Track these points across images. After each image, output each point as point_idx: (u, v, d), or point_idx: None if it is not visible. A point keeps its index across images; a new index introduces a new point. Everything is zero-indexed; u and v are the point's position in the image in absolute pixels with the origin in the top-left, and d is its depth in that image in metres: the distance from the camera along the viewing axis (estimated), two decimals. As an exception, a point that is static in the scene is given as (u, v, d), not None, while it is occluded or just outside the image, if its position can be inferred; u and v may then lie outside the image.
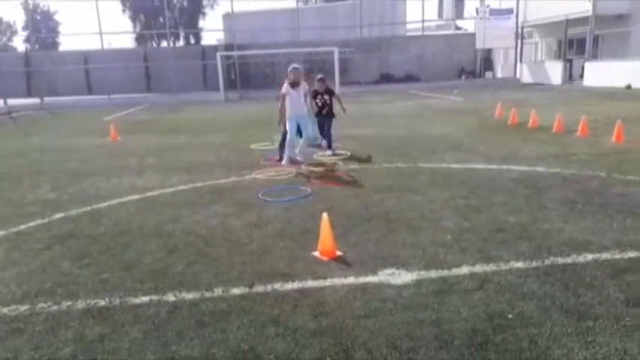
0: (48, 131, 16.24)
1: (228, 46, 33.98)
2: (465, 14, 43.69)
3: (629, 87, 21.72)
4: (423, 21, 33.51)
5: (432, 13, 39.02)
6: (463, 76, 33.36)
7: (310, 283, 3.87)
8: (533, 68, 31.32)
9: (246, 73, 34.36)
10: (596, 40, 26.42)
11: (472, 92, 25.13)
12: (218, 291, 3.82)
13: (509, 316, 3.22)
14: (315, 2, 55.41)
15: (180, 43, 41.35)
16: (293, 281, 3.92)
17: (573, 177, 6.78)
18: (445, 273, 3.94)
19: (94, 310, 3.61)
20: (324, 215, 4.45)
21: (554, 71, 28.58)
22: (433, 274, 3.93)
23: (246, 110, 21.25)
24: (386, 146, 10.02)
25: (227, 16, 38.48)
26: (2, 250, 4.93)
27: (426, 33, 36.45)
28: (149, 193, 7.00)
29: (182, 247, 4.80)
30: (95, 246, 4.95)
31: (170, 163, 9.27)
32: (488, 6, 34.43)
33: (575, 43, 29.05)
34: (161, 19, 41.53)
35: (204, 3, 43.32)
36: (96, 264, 4.47)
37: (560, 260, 4.04)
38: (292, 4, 48.81)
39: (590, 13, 25.04)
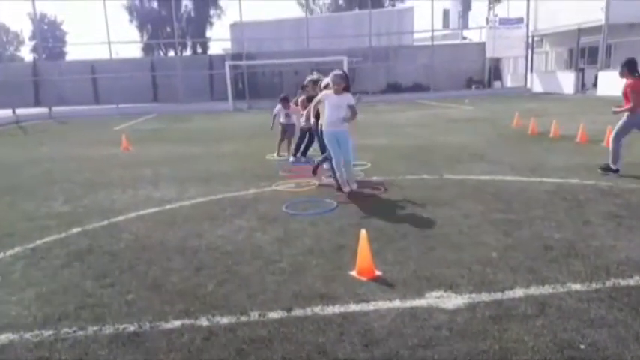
0: (58, 141, 16.06)
1: (236, 56, 33.90)
2: (471, 24, 43.71)
3: (643, 96, 21.38)
4: (432, 30, 33.30)
5: (437, 23, 38.88)
6: (473, 86, 33.12)
7: (353, 307, 3.59)
8: (543, 77, 31.07)
9: (254, 82, 34.25)
10: (608, 50, 26.15)
11: (483, 102, 24.91)
12: (254, 315, 3.53)
13: (582, 346, 2.92)
14: (321, 12, 55.53)
15: (188, 52, 41.36)
16: (334, 304, 3.64)
17: (611, 190, 6.48)
18: (498, 295, 3.64)
19: (123, 336, 3.33)
20: (363, 232, 4.17)
21: (566, 80, 28.31)
22: (485, 296, 3.64)
23: (255, 120, 21.01)
24: (405, 156, 9.75)
25: (234, 26, 38.48)
26: (20, 267, 4.66)
27: (434, 43, 36.35)
28: (167, 206, 6.74)
29: (209, 265, 4.52)
30: (117, 263, 4.68)
31: (185, 173, 9.03)
32: (496, 15, 34.33)
33: (586, 52, 28.81)
34: (168, 29, 41.63)
35: (212, 13, 43.47)
36: (119, 283, 4.20)
37: (622, 282, 3.74)
38: (299, 14, 49.04)
39: (602, 22, 24.80)
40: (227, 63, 28.26)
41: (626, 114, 7.37)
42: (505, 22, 31.27)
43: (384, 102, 28.02)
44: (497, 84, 34.93)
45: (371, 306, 3.58)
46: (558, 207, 5.81)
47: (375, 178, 7.84)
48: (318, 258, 4.56)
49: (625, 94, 7.16)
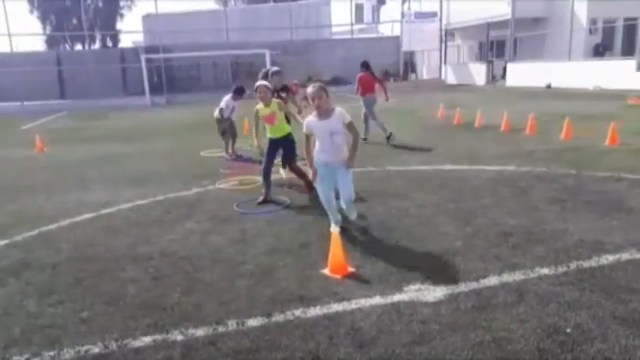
0: (-44, 143, 14.47)
1: (150, 49, 32.32)
2: (383, 18, 44.67)
3: (549, 86, 23.02)
4: (352, 24, 33.78)
5: (347, 18, 39.32)
6: (391, 79, 33.94)
7: (335, 307, 3.46)
8: (457, 70, 32.52)
9: (171, 76, 32.90)
10: (514, 43, 27.81)
11: (402, 94, 25.50)
12: (232, 324, 3.30)
13: (568, 330, 3.00)
14: (235, 4, 54.42)
15: (97, 45, 38.93)
16: (314, 306, 3.49)
17: (547, 175, 6.82)
18: (474, 285, 3.67)
19: (87, 359, 2.98)
20: (335, 230, 4.05)
21: (478, 72, 29.81)
22: (463, 287, 3.66)
23: (177, 115, 20.23)
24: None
25: (147, 18, 36.70)
26: (-57, 289, 4.08)
27: (347, 37, 36.88)
28: (104, 211, 6.23)
29: (168, 273, 4.20)
30: (61, 277, 4.23)
31: (115, 174, 8.42)
32: (409, 9, 35.36)
33: (495, 45, 30.48)
34: (74, 21, 38.92)
35: (122, 4, 41.12)
36: (69, 300, 3.79)
37: (585, 264, 3.91)
38: (213, 6, 47.75)
39: (509, 16, 26.32)
40: (142, 56, 26.93)
41: (361, 99, 10.97)
42: (420, 16, 32.29)
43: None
44: (412, 77, 36.02)
45: (353, 305, 3.48)
46: (504, 194, 6.02)
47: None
48: (285, 258, 4.38)
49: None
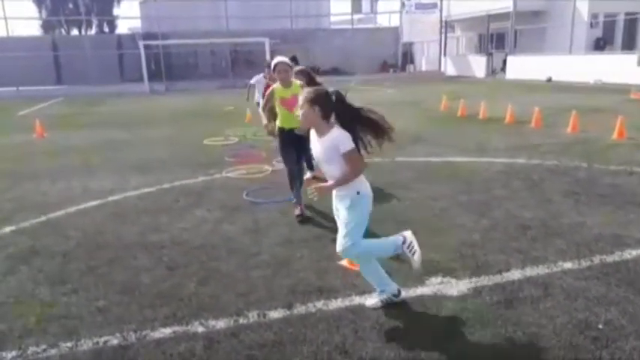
0: (-48, 127, 14.25)
1: (147, 35, 31.98)
2: (381, 9, 44.36)
3: (549, 80, 22.95)
4: (352, 14, 33.52)
5: (347, 8, 38.93)
6: (391, 70, 33.79)
7: (357, 299, 3.39)
8: (456, 62, 32.38)
9: (168, 63, 32.57)
10: (514, 35, 27.69)
11: (402, 85, 25.44)
12: (252, 315, 3.23)
13: (600, 326, 2.94)
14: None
15: (93, 31, 38.43)
16: (336, 298, 3.42)
17: (558, 168, 6.76)
18: (498, 279, 3.61)
19: (107, 350, 2.90)
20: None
21: (478, 65, 29.70)
22: (485, 280, 3.59)
23: (176, 102, 20.03)
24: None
25: (145, 4, 36.30)
26: (-49, 277, 3.98)
27: (349, 26, 36.65)
28: (110, 198, 6.12)
29: (182, 262, 4.11)
30: (73, 265, 4.13)
31: (119, 161, 8.30)
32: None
33: (495, 37, 30.34)
34: (70, 5, 38.41)
35: (119, -12, 40.59)
36: (83, 288, 3.69)
37: (608, 258, 3.85)
38: (212, -7, 47.15)
39: (510, 9, 26.17)
40: (141, 43, 26.61)
41: None
42: (420, 6, 32.07)
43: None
44: (410, 68, 35.84)
45: (375, 297, 3.40)
46: (517, 186, 5.95)
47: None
48: (301, 248, 4.31)
49: None
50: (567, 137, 9.07)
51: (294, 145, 5.22)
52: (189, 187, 6.54)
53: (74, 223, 5.22)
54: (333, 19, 41.84)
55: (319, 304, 3.34)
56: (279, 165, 7.35)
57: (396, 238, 3.30)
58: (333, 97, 3.19)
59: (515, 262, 3.86)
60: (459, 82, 26.63)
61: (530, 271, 3.69)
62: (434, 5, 31.72)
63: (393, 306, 3.27)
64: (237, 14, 34.14)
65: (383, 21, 42.18)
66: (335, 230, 4.46)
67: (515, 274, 3.66)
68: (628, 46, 24.75)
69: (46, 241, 4.71)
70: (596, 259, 3.84)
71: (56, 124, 13.77)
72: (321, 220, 4.99)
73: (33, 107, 19.27)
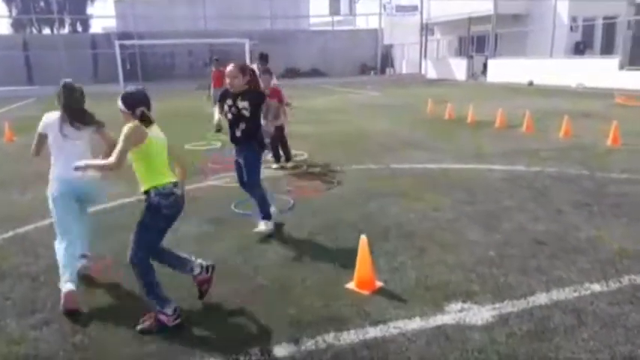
0: None
1: (123, 35, 31.17)
2: (359, 10, 44.11)
3: (531, 83, 22.96)
4: (332, 16, 33.23)
5: (325, 10, 38.58)
6: (372, 72, 33.61)
7: (372, 332, 3.01)
8: (437, 64, 32.32)
9: (145, 63, 31.84)
10: (495, 39, 27.72)
11: (384, 88, 25.19)
12: (255, 353, 2.82)
13: (649, 362, 2.62)
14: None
15: (65, 30, 37.29)
16: (348, 329, 3.03)
17: (560, 176, 6.50)
18: (523, 304, 3.27)
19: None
20: (363, 239, 3.57)
21: (459, 67, 29.66)
22: (510, 306, 3.25)
23: (154, 104, 19.29)
24: (339, 144, 9.28)
25: (120, 2, 35.42)
26: None
27: (329, 28, 36.40)
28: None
29: (169, 287, 3.66)
30: (44, 290, 3.67)
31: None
32: (389, 2, 34.99)
33: (475, 40, 30.37)
34: (42, 3, 37.21)
35: (93, -13, 39.53)
36: (56, 319, 3.23)
37: (638, 279, 3.55)
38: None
39: (491, 12, 26.17)
40: (116, 42, 25.82)
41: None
42: (401, 9, 31.94)
43: (287, 87, 27.33)
44: (389, 71, 35.70)
45: (392, 328, 3.03)
46: (523, 196, 5.66)
47: (320, 169, 7.28)
48: (301, 270, 3.91)
49: None
50: (562, 143, 8.86)
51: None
52: (173, 197, 6.07)
53: (45, 239, 4.70)
54: (313, 21, 41.59)
55: (329, 338, 2.95)
56: (267, 172, 6.99)
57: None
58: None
59: (538, 283, 3.53)
60: (440, 84, 26.52)
61: (557, 295, 3.37)
62: (414, 8, 31.62)
63: (413, 339, 2.89)
64: (215, 14, 33.57)
65: (362, 23, 42.00)
66: (335, 250, 4.09)
67: (541, 298, 3.33)
68: (607, 50, 24.96)
69: (13, 260, 4.22)
70: (625, 280, 3.54)
71: (27, 127, 12.99)
72: (318, 238, 4.60)
73: (2, 109, 18.43)
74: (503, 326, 3.01)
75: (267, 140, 7.56)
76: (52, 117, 3.81)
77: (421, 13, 31.65)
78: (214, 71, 13.51)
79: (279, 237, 4.62)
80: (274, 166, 7.37)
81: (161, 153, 3.24)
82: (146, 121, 3.18)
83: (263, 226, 4.67)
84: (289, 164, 7.43)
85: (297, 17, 38.43)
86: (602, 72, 20.21)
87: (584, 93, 18.47)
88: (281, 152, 7.56)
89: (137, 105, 3.21)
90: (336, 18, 44.72)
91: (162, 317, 3.06)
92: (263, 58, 8.96)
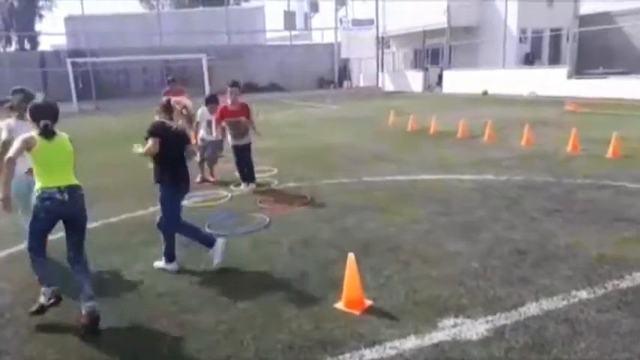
0: None
1: (74, 52, 30.29)
2: (315, 25, 44.52)
3: (485, 93, 23.63)
4: (290, 30, 33.35)
5: (280, 24, 38.60)
6: (331, 85, 33.83)
7: (368, 354, 2.91)
8: (394, 77, 32.83)
9: (98, 81, 30.93)
10: (449, 51, 28.43)
11: (343, 101, 25.35)
12: (248, 383, 2.67)
13: (648, 369, 2.62)
14: (163, 8, 52.42)
15: (12, 47, 35.88)
16: (342, 353, 2.92)
17: (528, 184, 6.61)
18: (516, 316, 3.25)
19: None
20: (351, 257, 3.47)
21: (415, 80, 30.21)
22: (503, 319, 3.22)
23: (108, 123, 18.87)
24: (304, 159, 9.19)
25: (70, 20, 34.48)
26: None
27: (285, 43, 36.52)
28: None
29: (147, 316, 3.46)
30: (9, 329, 3.39)
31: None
32: (345, 16, 35.44)
33: (430, 53, 31.06)
34: (-14, 20, 35.73)
35: (41, 4, 38.12)
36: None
37: (621, 284, 3.60)
38: (142, 10, 45.76)
39: (445, 25, 26.87)
40: (68, 60, 25.03)
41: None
42: (357, 23, 32.37)
43: (249, 102, 27.13)
44: (346, 84, 36.04)
45: (388, 349, 2.94)
46: (495, 205, 5.70)
47: (292, 184, 7.16)
48: (285, 290, 3.77)
49: None
50: (524, 151, 9.06)
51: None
52: (141, 220, 5.82)
53: (5, 271, 4.41)
54: (269, 35, 41.61)
55: (325, 363, 2.83)
56: (238, 189, 6.84)
57: None
58: None
59: (527, 293, 3.52)
60: (398, 97, 26.91)
61: (547, 304, 3.36)
62: (370, 22, 32.11)
63: (408, 358, 2.81)
64: (170, 30, 33.12)
65: (318, 38, 42.42)
66: (317, 268, 3.98)
67: (532, 309, 3.32)
68: (554, 60, 26.01)
69: (-28, 297, 3.90)
70: (609, 286, 3.58)
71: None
72: (298, 256, 4.48)
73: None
74: (500, 340, 2.97)
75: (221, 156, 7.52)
76: None
77: (377, 27, 32.15)
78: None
79: (258, 256, 4.47)
80: (242, 186, 7.09)
81: (53, 161, 3.45)
82: (48, 133, 3.42)
83: (162, 263, 4.31)
84: (253, 185, 7.04)
85: (254, 32, 38.38)
86: (551, 81, 21.01)
87: (537, 101, 19.13)
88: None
89: (42, 117, 3.43)
90: (294, 33, 45.05)
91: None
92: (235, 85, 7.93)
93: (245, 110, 6.91)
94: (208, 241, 4.33)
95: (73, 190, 3.47)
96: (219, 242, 4.25)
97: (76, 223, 3.56)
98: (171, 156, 4.24)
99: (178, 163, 4.34)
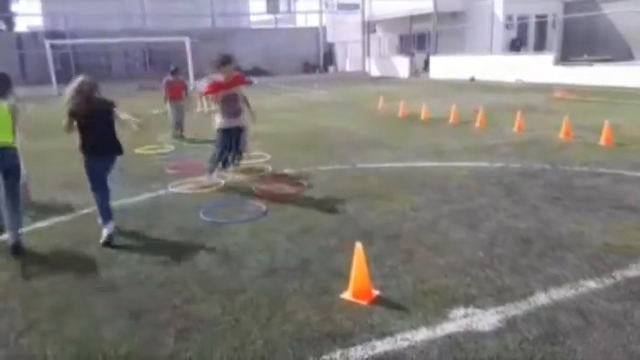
0: None
1: (52, 34, 29.46)
2: (299, 8, 43.94)
3: (472, 79, 23.64)
4: (270, 13, 32.84)
5: (261, 7, 38.01)
6: (317, 70, 33.54)
7: (380, 346, 2.84)
8: (380, 62, 32.67)
9: (77, 64, 30.17)
10: (435, 36, 28.34)
11: (331, 86, 25.15)
12: (259, 378, 2.58)
13: (666, 360, 2.60)
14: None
15: (-13, 29, 34.77)
16: (354, 345, 2.85)
17: (525, 171, 6.58)
18: (526, 306, 3.20)
19: None
20: (359, 246, 3.39)
21: (401, 65, 30.10)
22: (513, 309, 3.17)
23: (93, 107, 18.36)
24: (298, 144, 9.07)
25: (47, 0, 33.46)
26: None
27: (270, 26, 36.01)
28: (38, 224, 5.14)
29: (149, 307, 3.35)
30: (4, 320, 3.23)
31: (43, 177, 7.07)
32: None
33: (416, 38, 30.94)
34: (-41, 0, 34.48)
35: (17, -17, 36.93)
36: (22, 356, 2.85)
37: (629, 273, 3.58)
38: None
39: (431, 10, 26.73)
40: (47, 42, 24.37)
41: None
42: (343, 7, 32.05)
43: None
44: (331, 69, 35.76)
45: (400, 341, 2.88)
46: (495, 193, 5.66)
47: (287, 171, 7.04)
48: (289, 280, 3.68)
49: None
50: (517, 137, 9.06)
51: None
52: (135, 206, 5.67)
53: (-4, 260, 4.24)
54: (254, 19, 41.01)
55: (337, 356, 2.75)
56: (230, 176, 6.71)
57: None
58: None
59: (535, 283, 3.49)
60: (385, 82, 26.79)
61: (556, 294, 3.32)
62: (356, 6, 31.81)
63: (425, 351, 2.75)
64: (152, 12, 32.44)
65: (302, 22, 41.86)
66: (319, 257, 3.90)
67: (541, 299, 3.28)
68: (539, 46, 26.10)
69: (-39, 288, 3.73)
70: (618, 275, 3.55)
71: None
72: (298, 244, 4.38)
73: None
74: (513, 331, 2.92)
75: None
76: None
77: (362, 12, 31.86)
78: (171, 82, 10.49)
79: (259, 245, 4.36)
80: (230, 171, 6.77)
81: None
82: None
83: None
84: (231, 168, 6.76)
85: (237, 15, 37.80)
86: (538, 67, 21.08)
87: (524, 88, 19.18)
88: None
89: None
90: (278, 16, 44.44)
91: None
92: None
93: (241, 79, 6.63)
94: (104, 216, 4.65)
95: (4, 149, 4.33)
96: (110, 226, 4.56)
97: (8, 174, 4.37)
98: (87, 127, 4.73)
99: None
